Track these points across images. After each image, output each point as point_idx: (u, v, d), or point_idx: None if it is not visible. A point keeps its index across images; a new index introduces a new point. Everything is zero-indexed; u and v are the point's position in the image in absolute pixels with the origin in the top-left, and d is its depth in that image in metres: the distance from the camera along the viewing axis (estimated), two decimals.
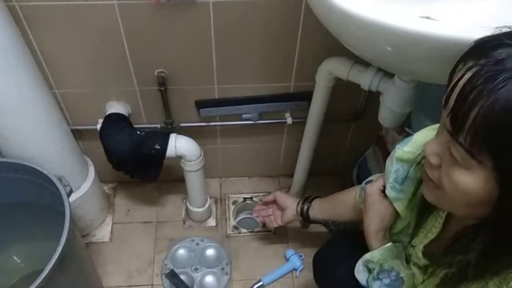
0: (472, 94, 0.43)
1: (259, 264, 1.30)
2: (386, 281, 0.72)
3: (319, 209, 1.05)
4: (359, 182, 1.35)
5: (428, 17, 0.81)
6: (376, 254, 0.73)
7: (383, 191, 0.73)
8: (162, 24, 0.97)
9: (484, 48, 0.45)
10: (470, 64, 0.45)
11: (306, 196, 1.10)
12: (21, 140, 0.99)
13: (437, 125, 0.65)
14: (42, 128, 1.01)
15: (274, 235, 1.37)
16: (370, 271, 0.75)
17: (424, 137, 0.67)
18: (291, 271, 1.28)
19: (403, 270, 0.71)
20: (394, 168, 0.70)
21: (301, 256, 1.29)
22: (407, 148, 0.68)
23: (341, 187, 1.41)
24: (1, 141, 1.00)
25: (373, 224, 0.74)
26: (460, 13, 0.82)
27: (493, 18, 0.80)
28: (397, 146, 0.70)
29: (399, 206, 0.71)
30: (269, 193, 1.48)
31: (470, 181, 0.47)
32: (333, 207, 1.02)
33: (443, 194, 0.52)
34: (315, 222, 1.11)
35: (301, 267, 1.28)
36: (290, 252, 1.30)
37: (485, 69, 0.43)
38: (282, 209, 1.15)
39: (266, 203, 1.22)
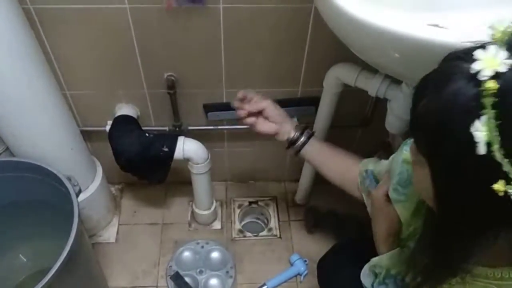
0: (420, 95, 0.45)
1: (263, 268, 1.30)
2: (392, 286, 0.72)
3: (317, 151, 0.93)
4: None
5: (436, 25, 0.82)
6: (384, 258, 0.73)
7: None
8: (172, 28, 0.98)
9: (445, 59, 0.46)
10: (431, 71, 0.47)
11: (305, 126, 0.95)
12: (32, 139, 1.01)
13: None
14: (52, 128, 1.03)
15: (279, 239, 1.38)
16: (376, 275, 0.75)
17: None
18: (296, 275, 1.29)
19: (409, 276, 0.70)
20: (398, 170, 0.69)
21: (305, 261, 1.30)
22: None
23: (347, 193, 1.43)
24: (12, 141, 1.02)
25: (382, 229, 0.74)
26: (470, 21, 0.83)
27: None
28: (404, 147, 0.69)
29: (399, 209, 0.70)
30: (275, 197, 1.48)
31: (423, 177, 0.48)
32: (330, 162, 0.94)
33: (417, 191, 0.56)
34: (300, 158, 0.96)
35: (306, 272, 1.29)
36: (294, 256, 1.31)
37: (433, 75, 0.45)
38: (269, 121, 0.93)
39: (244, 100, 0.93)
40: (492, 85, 0.38)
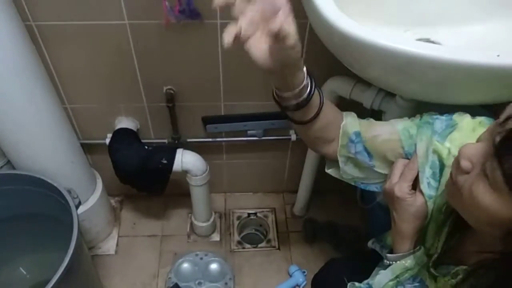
0: None
1: (262, 280, 1.31)
2: (409, 286, 0.67)
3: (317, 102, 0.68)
4: (363, 199, 1.37)
5: (428, 40, 0.84)
6: (410, 262, 0.66)
7: (414, 184, 0.66)
8: (171, 43, 1.01)
9: None
10: None
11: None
12: (33, 152, 1.02)
13: (480, 119, 0.63)
14: (53, 141, 1.04)
15: (278, 251, 1.38)
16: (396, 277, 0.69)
17: (465, 134, 0.63)
18: (294, 286, 1.30)
19: (427, 277, 0.66)
20: (428, 161, 0.64)
21: (304, 272, 1.31)
22: (447, 143, 0.63)
23: (345, 204, 1.44)
24: (13, 154, 1.03)
25: (410, 227, 0.66)
26: (461, 36, 0.85)
27: (494, 41, 0.83)
28: (435, 137, 0.64)
29: (430, 204, 0.65)
30: (274, 209, 1.49)
31: (490, 201, 0.46)
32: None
33: (461, 200, 0.51)
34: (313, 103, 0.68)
35: (304, 282, 1.29)
36: (293, 268, 1.32)
37: None
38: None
39: None
40: None
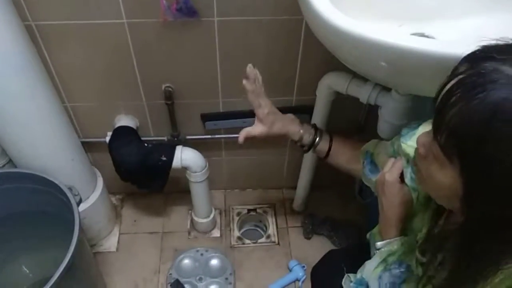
0: (452, 98, 0.46)
1: (262, 274, 1.32)
2: (396, 271, 0.71)
3: (327, 146, 0.93)
4: (361, 194, 1.38)
5: (422, 34, 0.85)
6: (396, 246, 0.71)
7: (401, 177, 0.72)
8: (169, 41, 1.02)
9: (475, 58, 0.47)
10: (460, 70, 0.47)
11: (311, 124, 0.95)
12: (34, 151, 1.04)
13: None
14: (54, 139, 1.05)
15: (277, 246, 1.40)
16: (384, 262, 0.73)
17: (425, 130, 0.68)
18: (294, 281, 1.31)
19: (414, 263, 0.69)
20: (406, 159, 0.70)
21: (303, 266, 1.32)
22: (411, 142, 0.70)
23: (344, 200, 1.45)
24: (14, 152, 1.04)
25: (395, 214, 0.72)
26: (455, 30, 0.86)
27: (488, 35, 0.84)
28: (401, 139, 0.72)
29: (414, 196, 0.71)
30: (273, 205, 1.50)
31: (441, 176, 0.51)
32: (339, 153, 0.94)
33: (425, 184, 0.57)
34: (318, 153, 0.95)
35: (304, 277, 1.30)
36: (293, 262, 1.33)
37: (468, 79, 0.45)
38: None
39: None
40: None
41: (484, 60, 0.45)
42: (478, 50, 0.48)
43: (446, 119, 0.46)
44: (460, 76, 0.46)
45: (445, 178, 0.50)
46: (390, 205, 0.73)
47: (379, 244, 0.73)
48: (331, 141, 0.93)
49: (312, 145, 0.92)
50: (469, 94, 0.44)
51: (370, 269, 0.73)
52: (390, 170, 0.73)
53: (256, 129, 0.90)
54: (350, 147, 0.94)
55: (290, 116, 0.93)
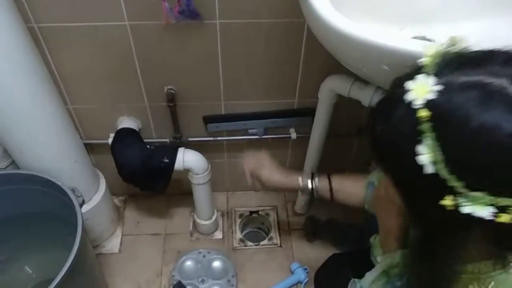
0: (373, 119, 0.49)
1: (264, 277, 1.32)
2: (398, 284, 0.70)
3: (327, 188, 0.98)
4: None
5: (424, 37, 0.85)
6: (397, 258, 0.71)
7: None
8: (171, 43, 1.02)
9: (397, 83, 0.48)
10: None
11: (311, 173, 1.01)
12: (37, 153, 1.04)
13: None
14: (57, 141, 1.06)
15: (279, 248, 1.40)
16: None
17: None
18: (296, 283, 1.31)
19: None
20: None
21: (306, 269, 1.32)
22: None
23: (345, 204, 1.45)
24: (17, 154, 1.05)
25: (394, 224, 0.72)
26: (457, 33, 0.86)
27: (489, 37, 0.84)
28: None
29: None
30: (275, 207, 1.50)
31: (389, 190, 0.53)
32: (341, 192, 0.97)
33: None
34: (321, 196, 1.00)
35: (306, 279, 1.30)
36: (295, 265, 1.33)
37: (384, 100, 0.48)
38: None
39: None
40: (424, 113, 0.41)
41: (396, 86, 0.47)
42: (395, 78, 0.49)
43: (372, 142, 0.49)
44: (379, 102, 0.50)
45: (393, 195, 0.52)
46: (388, 217, 0.73)
47: (379, 258, 0.74)
48: (330, 181, 0.96)
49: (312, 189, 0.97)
50: (381, 116, 0.47)
51: (369, 280, 0.73)
52: (386, 186, 0.74)
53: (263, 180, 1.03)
54: (352, 182, 0.95)
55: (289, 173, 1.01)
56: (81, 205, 1.00)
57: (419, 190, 0.46)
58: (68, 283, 0.87)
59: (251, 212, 1.49)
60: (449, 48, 0.46)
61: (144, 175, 1.18)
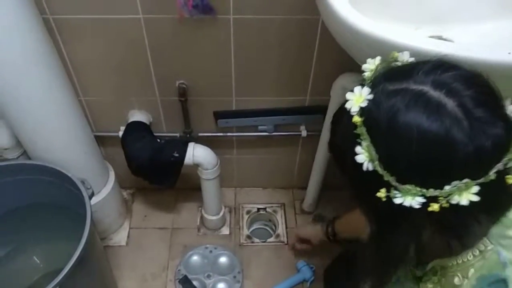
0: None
1: (270, 274, 1.32)
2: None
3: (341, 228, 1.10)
4: None
5: (440, 37, 0.84)
6: None
7: None
8: (184, 37, 1.02)
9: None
10: None
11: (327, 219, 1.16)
12: (48, 143, 1.05)
13: None
14: (68, 133, 1.06)
15: (286, 246, 1.39)
16: None
17: None
18: (302, 281, 1.31)
19: (408, 277, 0.72)
20: None
21: (312, 267, 1.31)
22: None
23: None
24: (29, 144, 1.06)
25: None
26: (473, 33, 0.85)
27: (505, 38, 0.82)
28: None
29: None
30: (283, 204, 1.50)
31: None
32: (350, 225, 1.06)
33: None
34: (339, 240, 1.13)
35: (312, 278, 1.30)
36: (301, 263, 1.32)
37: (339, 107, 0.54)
38: (306, 240, 1.23)
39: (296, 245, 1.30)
40: (357, 119, 0.48)
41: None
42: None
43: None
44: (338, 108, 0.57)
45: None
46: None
47: None
48: (333, 227, 1.10)
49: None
50: (335, 122, 0.56)
51: None
52: None
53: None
54: (352, 215, 1.03)
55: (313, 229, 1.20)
56: (90, 197, 1.00)
57: (364, 187, 0.51)
58: (76, 274, 0.88)
59: (259, 209, 1.49)
60: (386, 63, 0.53)
61: (153, 169, 1.18)
